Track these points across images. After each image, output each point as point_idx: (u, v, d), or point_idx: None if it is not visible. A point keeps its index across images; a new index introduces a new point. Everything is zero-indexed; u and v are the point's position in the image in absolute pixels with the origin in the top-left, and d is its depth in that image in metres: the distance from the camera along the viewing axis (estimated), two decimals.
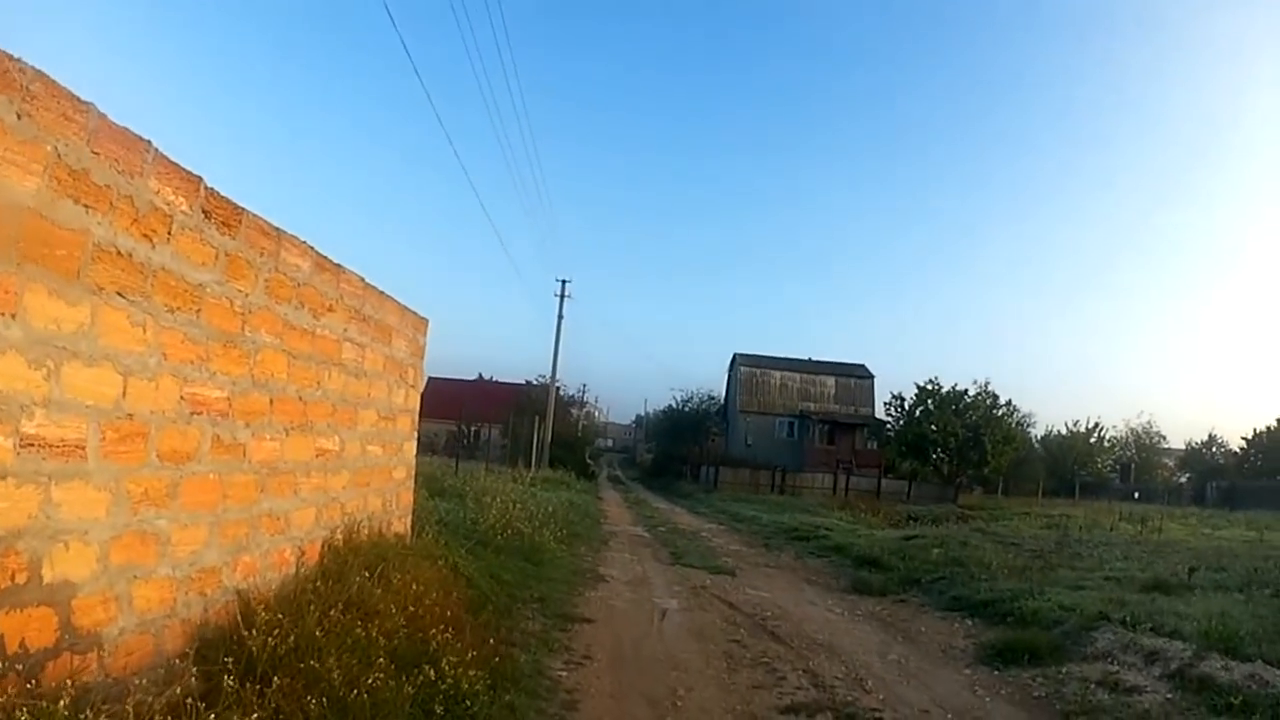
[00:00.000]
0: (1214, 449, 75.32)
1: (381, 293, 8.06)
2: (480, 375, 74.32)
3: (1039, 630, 9.60)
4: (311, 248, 6.27)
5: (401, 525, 9.45)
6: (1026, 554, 16.43)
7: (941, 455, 57.41)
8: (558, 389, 56.94)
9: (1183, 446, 77.72)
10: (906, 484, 53.90)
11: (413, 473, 9.96)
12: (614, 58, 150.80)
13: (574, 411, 69.58)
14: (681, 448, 66.49)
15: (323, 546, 6.91)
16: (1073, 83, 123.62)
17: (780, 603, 11.76)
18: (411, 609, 6.53)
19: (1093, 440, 68.49)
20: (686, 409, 74.18)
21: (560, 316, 52.72)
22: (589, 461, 62.78)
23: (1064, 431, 70.24)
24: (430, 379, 42.92)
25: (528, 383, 61.74)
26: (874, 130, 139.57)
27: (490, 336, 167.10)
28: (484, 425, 49.90)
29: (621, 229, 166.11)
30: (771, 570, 15.49)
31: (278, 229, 5.66)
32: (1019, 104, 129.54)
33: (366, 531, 7.83)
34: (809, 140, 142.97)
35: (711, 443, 67.09)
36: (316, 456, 6.73)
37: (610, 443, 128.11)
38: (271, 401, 5.78)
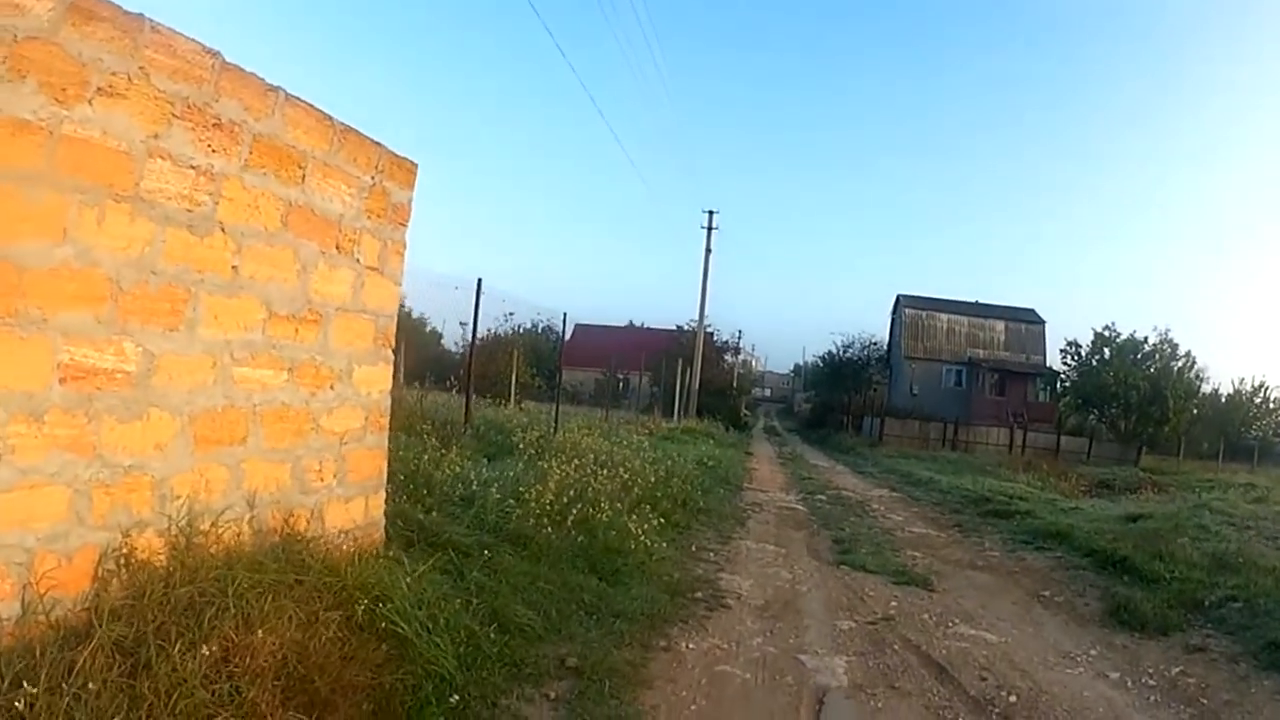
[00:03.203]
0: None
1: (272, 89, 4.79)
2: (630, 322, 70.93)
3: None
4: None
5: (345, 514, 5.76)
6: None
7: (1118, 410, 51.83)
8: (708, 332, 52.76)
9: None
10: (1087, 442, 48.00)
11: (380, 422, 6.17)
12: None
13: (728, 359, 65.59)
14: (842, 397, 61.14)
15: (99, 567, 3.86)
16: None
17: (1017, 658, 6.72)
18: None
19: (1258, 400, 60.71)
20: (847, 355, 68.22)
21: (708, 250, 48.28)
22: (744, 411, 58.94)
23: (1229, 390, 62.26)
24: (577, 326, 40.37)
25: (679, 329, 57.65)
26: (1054, 68, 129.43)
27: (644, 284, 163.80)
28: (633, 373, 46.19)
29: (777, 170, 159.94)
30: (981, 576, 10.25)
31: None
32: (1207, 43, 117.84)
33: (248, 529, 4.74)
34: (981, 71, 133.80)
35: (874, 392, 61.73)
36: (63, 383, 3.70)
37: (768, 392, 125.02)
38: None
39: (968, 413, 52.71)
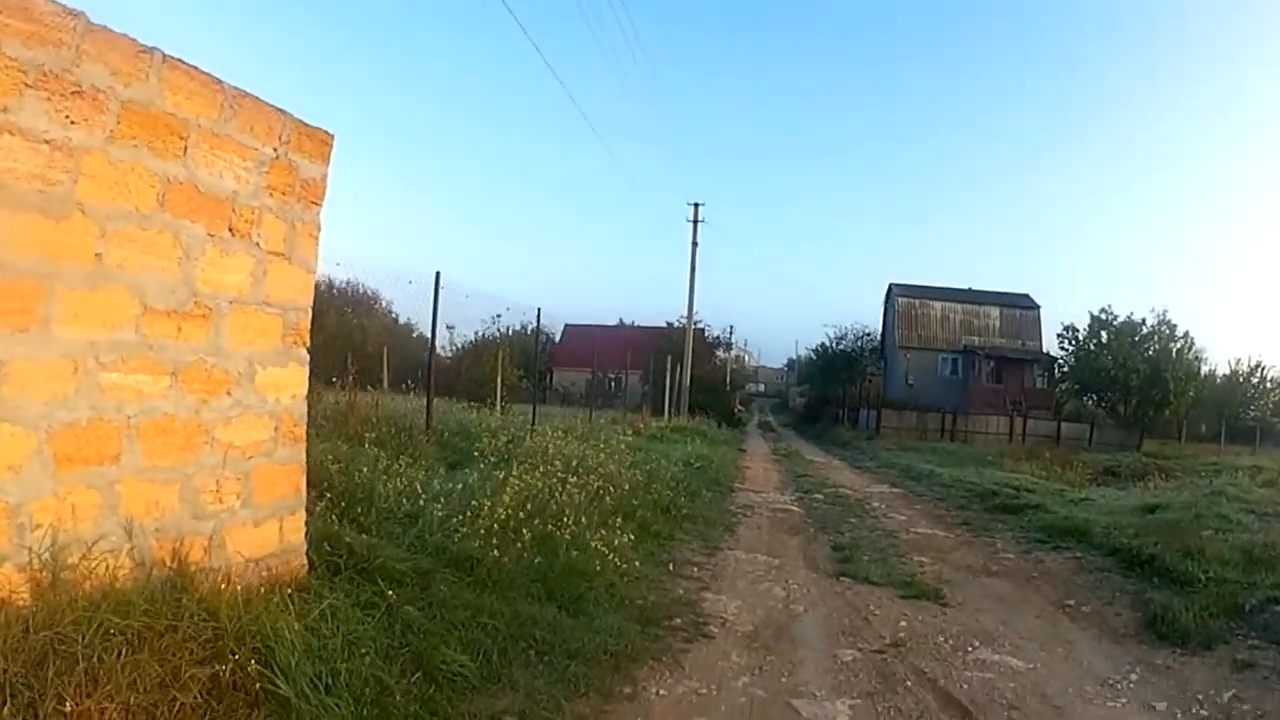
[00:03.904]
0: None
1: (146, 50, 4.09)
2: (621, 321, 69.92)
3: None
4: None
5: (253, 540, 4.91)
6: None
7: (1118, 395, 51.45)
8: (699, 328, 52.05)
9: None
10: (1088, 428, 47.39)
11: (294, 432, 5.27)
12: None
13: (719, 354, 64.76)
14: (837, 389, 60.25)
15: None
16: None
17: (1049, 689, 5.64)
18: None
19: (1255, 380, 59.66)
20: (841, 347, 67.33)
21: (694, 244, 46.92)
22: (738, 408, 58.17)
23: (1226, 370, 61.33)
24: (567, 326, 39.64)
25: (669, 325, 56.81)
26: (1038, 47, 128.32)
27: (633, 282, 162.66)
28: (625, 371, 45.90)
29: (764, 160, 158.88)
30: (997, 583, 9.12)
31: None
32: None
33: (127, 562, 4.00)
34: (963, 54, 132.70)
35: (869, 383, 60.82)
36: None
37: (762, 387, 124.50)
38: None
39: (965, 402, 52.32)
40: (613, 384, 46.60)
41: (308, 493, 5.54)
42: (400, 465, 8.42)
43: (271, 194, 4.92)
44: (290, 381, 5.18)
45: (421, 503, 7.24)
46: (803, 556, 9.91)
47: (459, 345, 43.80)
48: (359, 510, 6.76)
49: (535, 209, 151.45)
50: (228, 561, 4.61)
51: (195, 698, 3.47)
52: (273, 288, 4.97)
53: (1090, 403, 55.07)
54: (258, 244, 4.83)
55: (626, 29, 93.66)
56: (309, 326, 5.32)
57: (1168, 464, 30.93)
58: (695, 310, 48.60)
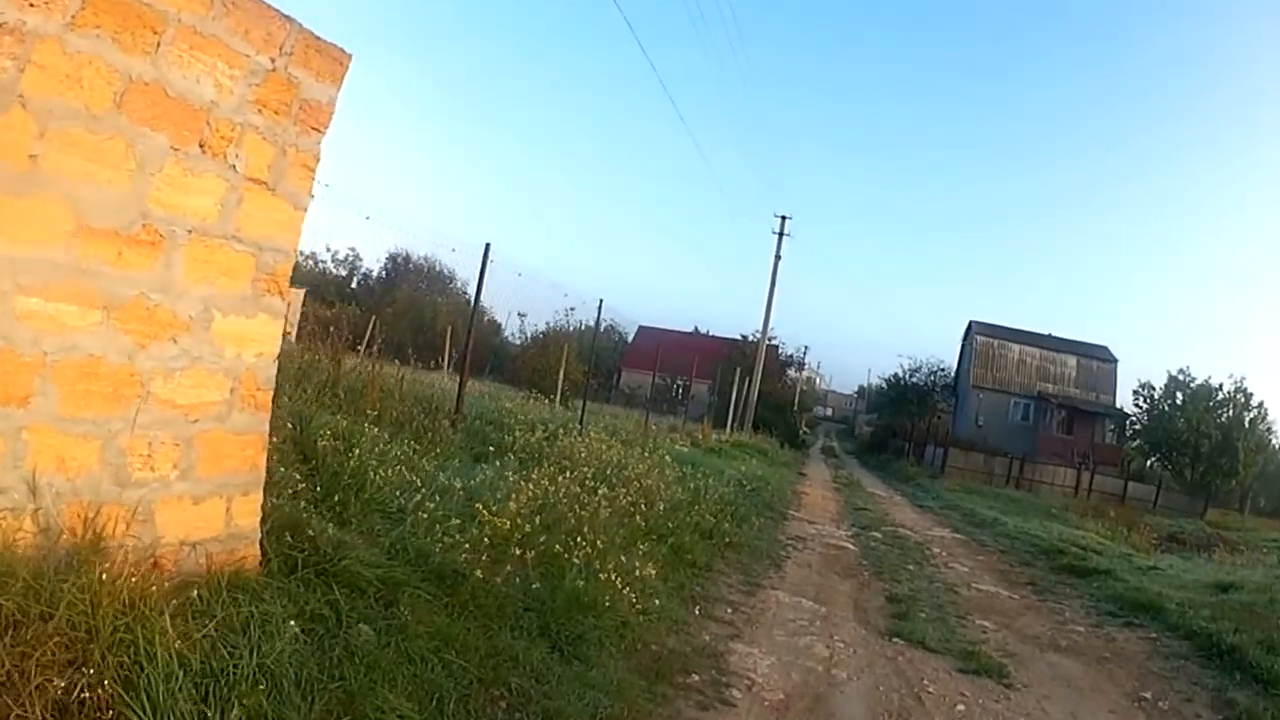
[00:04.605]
0: None
1: None
2: (695, 328, 68.92)
3: None
4: None
5: (192, 520, 4.06)
6: None
7: (1187, 459, 49.78)
8: (772, 344, 50.94)
9: None
10: (1154, 490, 45.31)
11: (257, 398, 4.39)
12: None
13: (791, 373, 63.49)
14: (905, 422, 58.32)
15: None
16: None
17: None
18: None
19: None
20: (914, 379, 65.11)
21: (777, 257, 46.01)
22: (803, 430, 56.97)
23: None
24: (640, 328, 38.85)
25: (743, 338, 55.98)
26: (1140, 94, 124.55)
27: (713, 290, 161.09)
28: (696, 379, 45.30)
29: (857, 181, 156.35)
30: (1066, 662, 7.91)
31: None
32: None
33: (30, 527, 3.28)
34: (1078, 95, 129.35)
35: (938, 420, 58.97)
36: None
37: (830, 411, 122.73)
38: None
39: (1033, 449, 50.37)
40: (680, 391, 45.73)
41: (289, 472, 5.03)
42: (408, 450, 7.46)
43: (260, 110, 4.10)
44: (258, 335, 4.31)
45: (419, 497, 6.23)
46: (853, 606, 8.78)
47: (529, 334, 43.31)
48: (343, 499, 5.83)
49: (619, 207, 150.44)
50: (156, 541, 3.81)
51: (39, 713, 2.68)
52: (246, 220, 4.12)
53: (1156, 464, 53.38)
54: (233, 166, 4.00)
55: (732, 31, 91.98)
56: (289, 273, 4.45)
57: (1231, 535, 29.95)
58: (771, 326, 47.75)
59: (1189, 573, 14.85)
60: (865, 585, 9.97)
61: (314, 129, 4.42)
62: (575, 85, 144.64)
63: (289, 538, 4.62)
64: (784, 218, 46.18)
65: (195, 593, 3.54)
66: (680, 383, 45.64)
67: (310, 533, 4.80)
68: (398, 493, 6.34)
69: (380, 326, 14.20)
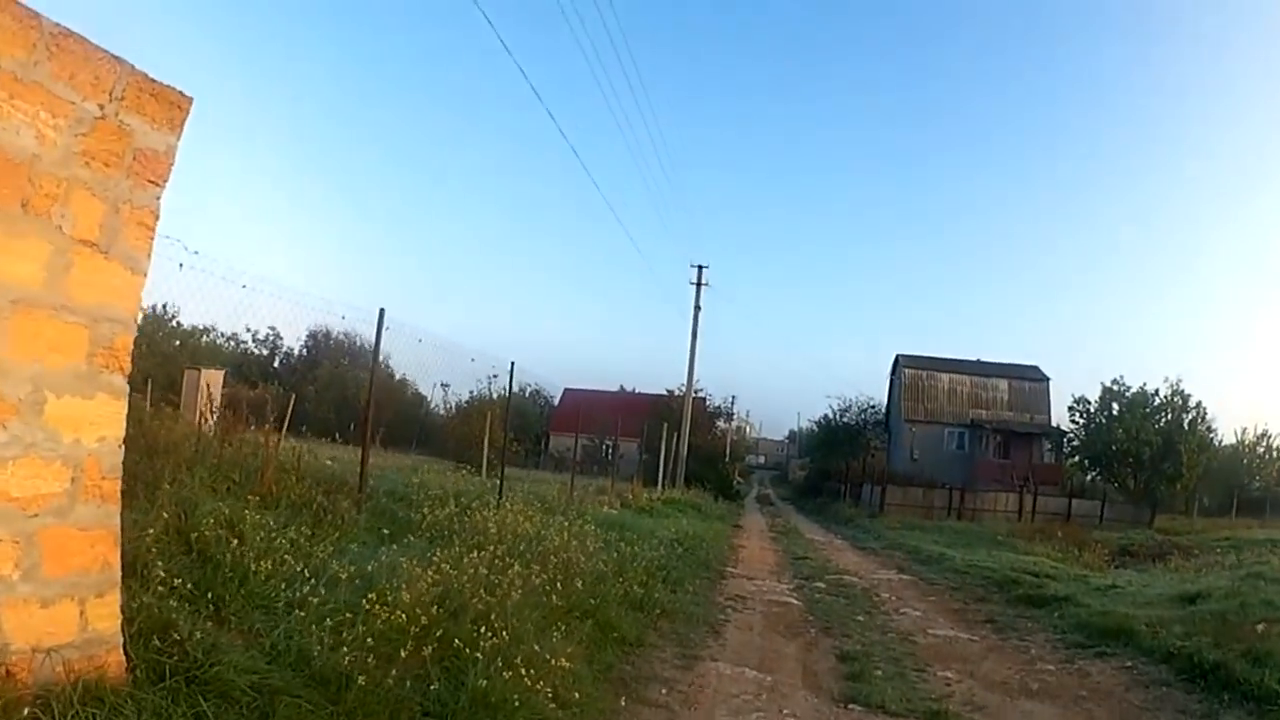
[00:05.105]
0: None
1: None
2: (621, 387, 68.38)
3: None
4: None
5: (40, 624, 3.55)
6: None
7: (1129, 469, 49.76)
8: (699, 396, 50.53)
9: None
10: (1098, 505, 44.92)
11: (104, 487, 3.83)
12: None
13: (720, 424, 63.02)
14: (839, 463, 58.02)
15: None
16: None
17: None
18: None
19: (1261, 449, 57.41)
20: (844, 419, 65.43)
21: (697, 307, 45.73)
22: (737, 480, 56.53)
23: (1233, 440, 58.80)
24: (566, 390, 38.57)
25: (669, 393, 55.27)
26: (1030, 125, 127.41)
27: (637, 347, 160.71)
28: (624, 438, 43.44)
29: (769, 229, 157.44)
30: (1043, 710, 7.13)
31: None
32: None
33: None
34: (974, 118, 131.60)
35: (873, 457, 58.77)
36: None
37: (762, 459, 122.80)
38: None
39: (971, 477, 50.07)
40: (609, 451, 45.01)
41: (168, 565, 4.69)
42: (302, 536, 6.55)
43: (89, 163, 3.66)
44: (98, 418, 3.78)
45: (307, 589, 5.36)
46: (801, 670, 7.90)
47: (453, 405, 42.57)
48: (221, 594, 5.09)
49: (536, 272, 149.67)
50: (4, 648, 3.39)
51: None
52: (78, 287, 3.65)
53: (1098, 478, 53.24)
54: (59, 227, 3.56)
55: (634, 80, 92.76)
56: (129, 345, 3.90)
57: (1183, 541, 29.64)
58: (696, 378, 47.37)
59: (1150, 587, 14.60)
60: (813, 644, 9.12)
61: (151, 181, 3.96)
62: (476, 143, 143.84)
63: (157, 641, 4.04)
64: (700, 267, 46.08)
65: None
66: (608, 443, 44.83)
67: (175, 636, 4.15)
68: (283, 585, 5.48)
69: (304, 404, 13.42)
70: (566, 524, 10.51)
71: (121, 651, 3.88)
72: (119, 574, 3.95)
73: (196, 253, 8.60)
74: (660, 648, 7.89)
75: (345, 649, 4.68)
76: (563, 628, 6.57)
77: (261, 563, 5.65)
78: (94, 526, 3.81)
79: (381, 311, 10.45)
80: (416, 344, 13.05)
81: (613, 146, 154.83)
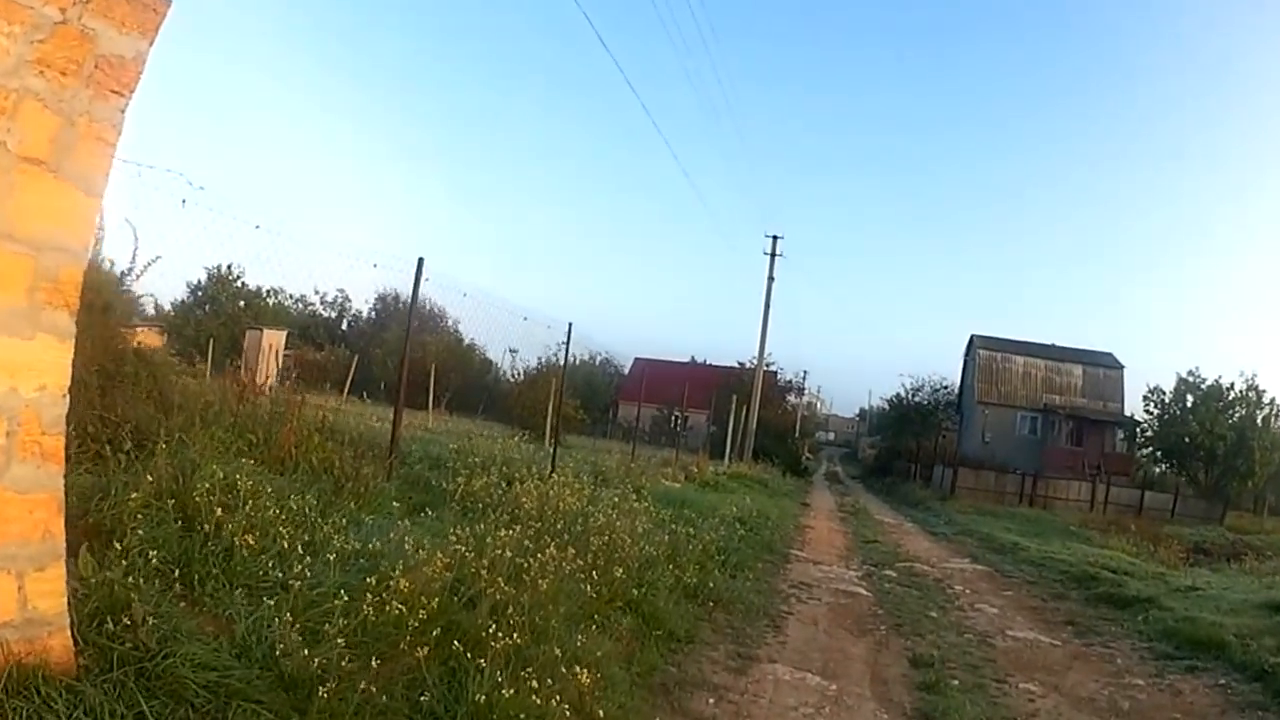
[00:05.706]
0: None
1: None
2: (693, 358, 67.39)
3: None
4: None
5: None
6: None
7: (1201, 463, 48.60)
8: (770, 370, 49.68)
9: None
10: (1170, 498, 43.80)
11: (45, 445, 3.22)
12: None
13: (790, 399, 61.92)
14: (910, 443, 56.80)
15: None
16: None
17: None
18: None
19: None
20: (916, 399, 63.53)
21: (770, 278, 45.02)
22: (806, 456, 55.71)
23: None
24: (637, 360, 38.04)
25: (740, 365, 54.58)
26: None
27: (710, 319, 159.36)
28: (693, 410, 44.07)
29: (848, 204, 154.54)
30: None
31: None
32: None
33: None
34: (1076, 112, 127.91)
35: (944, 438, 57.31)
36: None
37: (832, 436, 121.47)
38: None
39: (1041, 463, 48.96)
40: (678, 422, 44.37)
41: (149, 536, 4.33)
42: (304, 506, 5.89)
43: (42, 73, 3.10)
44: (38, 363, 3.21)
45: (299, 568, 4.65)
46: (869, 676, 7.10)
47: (521, 371, 42.10)
48: (198, 571, 4.48)
49: (611, 241, 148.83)
50: None
51: None
52: (20, 212, 3.10)
53: (1170, 470, 51.75)
54: (3, 143, 3.01)
55: (714, 54, 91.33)
56: (79, 281, 3.33)
57: (1255, 541, 28.97)
58: (768, 351, 46.48)
59: (1231, 590, 13.76)
60: (883, 644, 8.30)
61: (114, 92, 3.36)
62: (558, 120, 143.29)
63: (110, 624, 3.52)
64: (775, 238, 45.31)
65: None
66: (678, 414, 44.13)
67: (126, 621, 3.57)
68: (271, 563, 4.78)
69: (370, 368, 13.02)
70: (617, 499, 9.78)
71: (68, 634, 3.34)
72: (63, 545, 3.40)
73: (202, 188, 8.42)
74: (712, 645, 7.13)
75: (323, 645, 3.99)
76: (598, 622, 5.87)
77: (248, 536, 4.95)
78: (33, 489, 3.26)
79: (420, 261, 9.88)
80: (461, 298, 13.02)
81: (688, 112, 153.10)
